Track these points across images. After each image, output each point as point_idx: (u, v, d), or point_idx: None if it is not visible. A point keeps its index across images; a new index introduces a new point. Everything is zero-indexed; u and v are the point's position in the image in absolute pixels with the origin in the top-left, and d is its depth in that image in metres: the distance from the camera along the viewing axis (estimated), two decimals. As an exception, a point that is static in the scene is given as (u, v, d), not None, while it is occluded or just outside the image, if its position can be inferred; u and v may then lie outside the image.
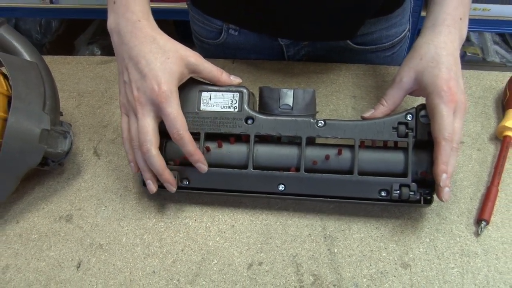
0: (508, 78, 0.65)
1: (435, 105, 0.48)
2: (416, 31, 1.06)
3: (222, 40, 0.77)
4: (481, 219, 0.51)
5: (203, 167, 0.50)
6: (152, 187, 0.52)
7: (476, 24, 1.42)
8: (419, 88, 0.52)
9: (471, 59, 1.91)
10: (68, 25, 1.98)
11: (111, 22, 0.53)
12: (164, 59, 0.49)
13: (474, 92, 0.67)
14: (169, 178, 0.51)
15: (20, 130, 0.52)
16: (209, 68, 0.53)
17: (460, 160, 0.58)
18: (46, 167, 0.58)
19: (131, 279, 0.50)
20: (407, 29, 0.76)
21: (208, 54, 0.82)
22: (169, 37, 0.52)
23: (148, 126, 0.49)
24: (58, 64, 0.77)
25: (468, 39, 1.97)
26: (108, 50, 1.90)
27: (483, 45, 1.95)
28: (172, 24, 1.93)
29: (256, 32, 0.74)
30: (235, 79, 0.55)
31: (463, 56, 1.94)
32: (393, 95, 0.54)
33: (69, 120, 0.67)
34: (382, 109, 0.54)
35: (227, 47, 0.78)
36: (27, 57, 0.59)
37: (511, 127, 0.58)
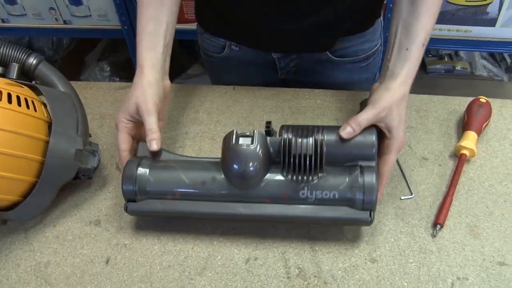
0: (467, 103, 0.76)
1: (391, 149, 0.62)
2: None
3: (225, 54, 0.90)
4: (437, 223, 0.63)
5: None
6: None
7: (459, 44, 1.54)
8: (383, 124, 0.62)
9: (459, 73, 2.02)
10: (79, 42, 2.09)
11: None
12: (129, 99, 0.66)
13: (440, 115, 0.78)
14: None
15: (59, 151, 0.64)
16: (148, 124, 0.64)
17: (424, 174, 0.69)
18: (77, 180, 0.69)
19: (151, 272, 0.61)
20: (379, 44, 0.90)
21: (213, 67, 0.97)
22: (147, 84, 0.66)
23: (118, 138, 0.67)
24: (81, 89, 0.89)
25: (457, 54, 2.09)
26: (116, 67, 2.01)
27: (471, 60, 2.06)
28: (177, 42, 2.05)
29: (252, 48, 0.87)
30: (153, 143, 0.65)
31: (452, 70, 2.06)
32: (367, 119, 0.61)
33: (93, 139, 0.79)
34: (356, 131, 0.61)
35: (229, 60, 0.91)
36: (61, 88, 0.71)
37: (466, 147, 0.69)
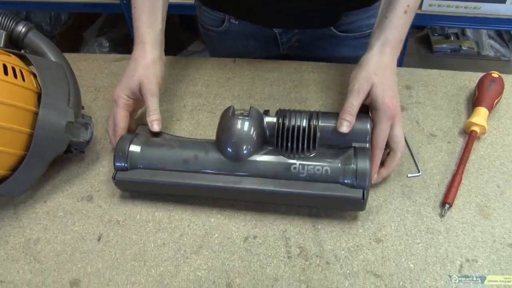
0: (479, 79, 0.73)
1: (379, 120, 0.58)
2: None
3: (224, 28, 0.86)
4: (446, 202, 0.60)
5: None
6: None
7: (467, 21, 1.48)
8: (369, 99, 0.59)
9: (466, 53, 1.97)
10: (77, 17, 2.05)
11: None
12: (130, 76, 0.65)
13: (448, 90, 0.75)
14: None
15: (49, 123, 0.60)
16: (150, 106, 0.64)
17: (432, 151, 0.66)
18: (69, 154, 0.66)
19: (145, 250, 0.58)
20: None
21: (212, 41, 0.93)
22: (150, 62, 0.65)
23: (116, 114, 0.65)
24: (76, 61, 0.86)
25: (463, 33, 2.04)
26: (115, 42, 1.97)
27: (478, 39, 2.01)
28: (177, 18, 2.01)
29: (252, 22, 0.83)
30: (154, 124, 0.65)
31: (458, 49, 2.01)
32: (355, 105, 0.59)
33: (87, 112, 0.75)
34: (352, 120, 0.59)
35: (229, 34, 0.87)
36: (52, 58, 0.68)
37: (477, 123, 0.66)
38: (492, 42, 2.04)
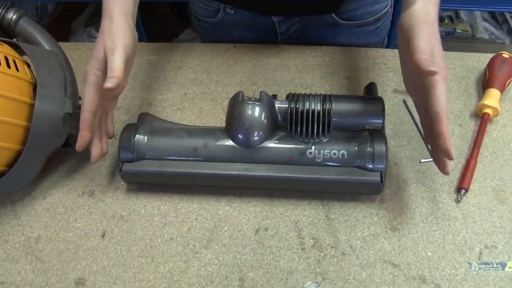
0: (489, 60, 0.71)
1: (435, 81, 0.49)
2: (398, 8, 1.08)
3: (219, 18, 0.82)
4: (461, 187, 0.58)
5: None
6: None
7: (461, 3, 1.47)
8: None
9: (460, 36, 1.95)
10: (65, 7, 1.99)
11: None
12: (96, 44, 0.57)
13: (457, 72, 0.73)
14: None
15: (46, 115, 0.57)
16: (110, 63, 0.54)
17: (444, 135, 0.64)
18: (68, 147, 0.63)
19: (151, 245, 0.56)
20: (389, 5, 0.82)
21: (206, 32, 0.89)
22: (116, 28, 0.56)
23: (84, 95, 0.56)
24: (69, 51, 0.81)
25: (457, 16, 2.01)
26: (105, 32, 1.92)
27: (473, 22, 1.99)
28: (168, 5, 1.96)
29: (249, 11, 0.79)
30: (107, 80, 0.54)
31: (453, 32, 1.99)
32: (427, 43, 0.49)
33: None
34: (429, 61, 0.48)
35: (224, 25, 0.83)
36: (46, 46, 0.64)
37: (489, 105, 0.64)
38: (486, 24, 2.02)
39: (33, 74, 0.59)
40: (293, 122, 0.56)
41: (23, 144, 0.57)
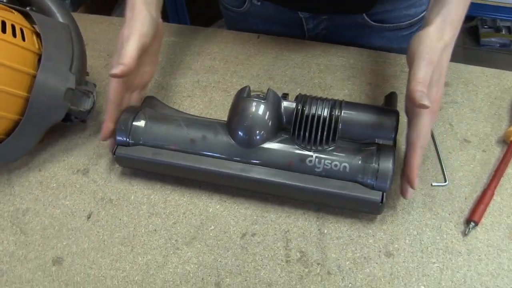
0: (528, 82, 0.64)
1: (422, 112, 0.48)
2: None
3: (246, 8, 0.79)
4: (471, 219, 0.53)
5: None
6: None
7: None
8: None
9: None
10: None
11: None
12: (119, 37, 0.56)
13: (491, 91, 0.66)
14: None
15: (47, 87, 0.56)
16: (123, 51, 0.54)
17: (463, 159, 0.59)
18: (69, 123, 0.62)
19: (134, 234, 0.54)
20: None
21: (232, 22, 0.86)
22: (135, 18, 0.56)
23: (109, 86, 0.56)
24: (92, 24, 0.81)
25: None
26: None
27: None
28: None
29: (276, 4, 0.75)
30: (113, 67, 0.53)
31: (508, 45, 1.87)
32: (429, 73, 0.49)
33: (96, 79, 0.71)
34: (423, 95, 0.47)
35: (249, 16, 0.80)
36: (60, 18, 0.63)
37: (520, 133, 0.58)
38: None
39: (41, 45, 0.58)
40: (297, 125, 0.53)
41: (22, 114, 0.56)
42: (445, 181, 0.57)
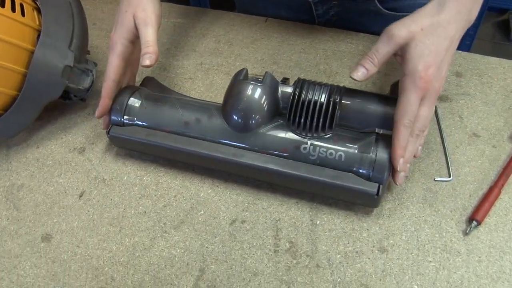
0: (549, 75, 0.60)
1: (405, 88, 0.46)
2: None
3: None
4: (473, 218, 0.50)
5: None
6: None
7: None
8: (401, 56, 0.48)
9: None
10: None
11: None
12: (123, 12, 0.55)
13: (507, 85, 0.62)
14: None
15: (45, 64, 0.56)
16: (145, 37, 0.54)
17: (471, 154, 0.56)
18: (68, 101, 0.62)
19: (123, 215, 0.54)
20: None
21: (242, 5, 0.84)
22: None
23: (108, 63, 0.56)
24: (101, 3, 0.80)
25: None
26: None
27: None
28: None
29: None
30: (145, 58, 0.54)
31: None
32: (380, 52, 0.48)
33: (100, 59, 0.71)
34: (372, 69, 0.48)
35: (259, 1, 0.78)
36: (63, -6, 0.62)
37: (534, 128, 0.55)
38: None
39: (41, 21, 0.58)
40: (293, 110, 0.51)
41: (20, 90, 0.56)
42: (450, 176, 0.54)
